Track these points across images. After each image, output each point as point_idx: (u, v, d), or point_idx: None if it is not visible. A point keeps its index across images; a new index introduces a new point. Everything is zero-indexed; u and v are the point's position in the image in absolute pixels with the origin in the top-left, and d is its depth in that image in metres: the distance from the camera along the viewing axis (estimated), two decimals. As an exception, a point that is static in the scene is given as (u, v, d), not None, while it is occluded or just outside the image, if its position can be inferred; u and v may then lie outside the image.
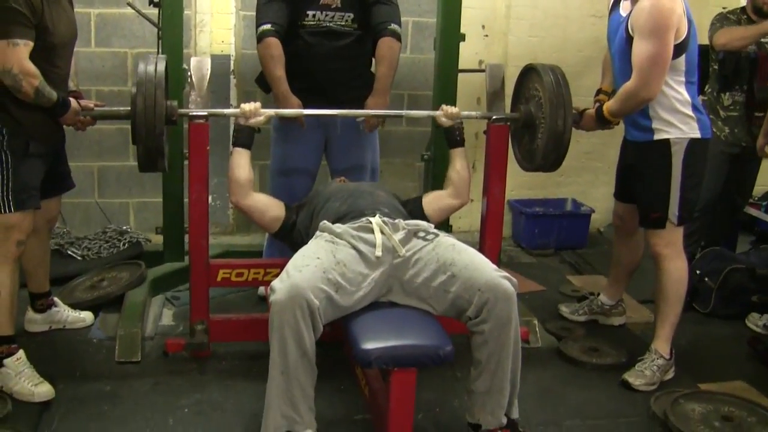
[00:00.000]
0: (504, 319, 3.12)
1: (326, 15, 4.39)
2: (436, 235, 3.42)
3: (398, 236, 3.36)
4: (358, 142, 4.67)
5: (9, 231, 3.59)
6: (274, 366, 3.03)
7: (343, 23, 4.42)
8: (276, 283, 3.04)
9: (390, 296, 3.33)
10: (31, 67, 3.39)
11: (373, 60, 4.60)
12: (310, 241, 3.42)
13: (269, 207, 3.89)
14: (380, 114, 4.40)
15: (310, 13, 4.38)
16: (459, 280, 3.19)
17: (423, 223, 3.52)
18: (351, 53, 4.50)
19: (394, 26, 4.43)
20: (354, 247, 3.29)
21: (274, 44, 4.28)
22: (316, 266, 3.12)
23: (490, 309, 3.10)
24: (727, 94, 5.30)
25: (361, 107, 4.41)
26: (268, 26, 4.30)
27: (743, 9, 5.32)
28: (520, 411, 3.36)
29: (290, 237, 3.85)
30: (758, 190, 6.29)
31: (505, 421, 3.26)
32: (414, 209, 3.87)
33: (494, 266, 3.24)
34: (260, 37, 4.32)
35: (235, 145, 3.83)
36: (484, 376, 3.19)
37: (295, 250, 3.40)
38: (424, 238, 3.40)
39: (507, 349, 3.16)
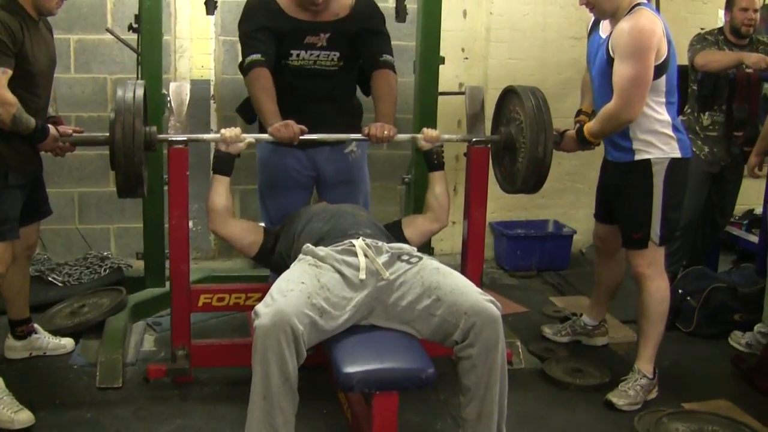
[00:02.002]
0: (491, 343, 3.10)
1: (311, 54, 4.19)
2: (420, 259, 3.41)
3: (382, 259, 3.34)
4: (348, 168, 4.50)
5: None
6: (255, 391, 3.01)
7: (329, 62, 4.23)
8: (260, 308, 3.02)
9: (371, 319, 3.31)
10: (9, 95, 3.38)
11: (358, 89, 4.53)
12: (293, 265, 3.40)
13: (247, 233, 3.87)
14: (357, 139, 4.31)
15: (294, 52, 4.17)
16: (444, 304, 3.18)
17: (406, 246, 3.51)
18: (336, 93, 4.37)
19: (386, 57, 4.26)
20: (338, 271, 3.27)
21: (265, 75, 4.03)
22: (301, 291, 3.11)
23: (477, 333, 3.09)
24: (707, 114, 5.33)
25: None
26: (257, 56, 4.04)
27: (721, 30, 5.37)
28: (503, 433, 3.37)
29: (269, 261, 3.85)
30: (739, 209, 6.32)
31: None
32: (394, 233, 3.85)
33: (479, 290, 3.24)
34: (249, 67, 4.05)
35: (215, 172, 3.81)
36: (474, 403, 3.16)
37: (278, 273, 3.40)
38: (407, 261, 3.38)
39: (495, 374, 3.13)
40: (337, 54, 4.23)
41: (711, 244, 5.89)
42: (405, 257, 3.40)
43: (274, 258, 3.81)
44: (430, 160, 4.03)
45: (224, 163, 3.80)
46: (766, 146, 4.95)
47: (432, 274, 3.30)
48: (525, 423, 3.82)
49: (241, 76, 4.24)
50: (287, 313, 2.96)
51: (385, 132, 3.94)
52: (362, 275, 3.26)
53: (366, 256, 3.34)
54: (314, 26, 4.16)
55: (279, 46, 4.14)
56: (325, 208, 3.93)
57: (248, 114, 4.38)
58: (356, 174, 4.55)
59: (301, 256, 3.43)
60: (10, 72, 3.42)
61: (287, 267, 3.42)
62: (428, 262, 3.41)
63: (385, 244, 3.46)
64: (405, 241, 3.79)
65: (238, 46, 4.38)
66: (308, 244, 3.46)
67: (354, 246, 3.39)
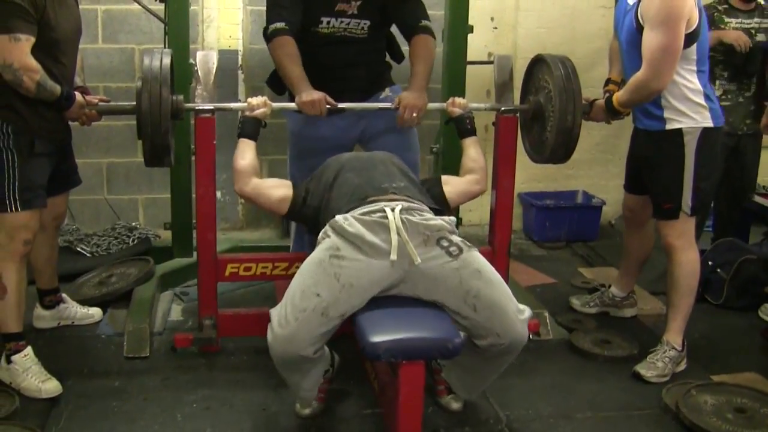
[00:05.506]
0: (507, 355, 3.25)
1: (341, 22, 4.14)
2: (461, 251, 3.20)
3: (416, 240, 3.15)
4: (396, 129, 4.29)
5: (16, 230, 3.58)
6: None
7: (358, 31, 4.19)
8: (274, 319, 3.07)
9: (395, 290, 3.20)
10: (32, 62, 3.37)
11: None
12: (312, 257, 3.20)
13: (274, 189, 3.67)
14: (384, 108, 4.26)
15: (325, 19, 4.12)
16: (479, 318, 3.13)
17: (445, 224, 3.26)
18: (366, 59, 4.33)
19: (425, 23, 4.23)
20: (364, 253, 3.12)
21: (289, 42, 3.98)
22: (314, 309, 3.01)
23: (501, 350, 3.17)
24: (717, 83, 5.24)
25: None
26: (281, 24, 3.99)
27: None
28: (530, 403, 3.55)
29: (301, 215, 3.63)
30: (768, 180, 6.26)
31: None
32: (432, 188, 3.70)
33: (516, 305, 3.19)
34: (272, 36, 4.01)
35: (240, 136, 3.74)
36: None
37: (309, 228, 3.52)
38: (447, 250, 3.19)
39: (498, 364, 3.33)
40: (368, 23, 4.20)
41: (736, 217, 5.81)
42: (445, 243, 3.20)
43: (305, 210, 3.59)
44: (462, 126, 3.94)
45: (249, 127, 3.75)
46: None
47: (473, 276, 3.16)
48: (552, 394, 3.81)
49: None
50: (296, 343, 3.02)
51: (414, 114, 3.95)
52: (393, 256, 3.09)
53: (399, 235, 3.14)
54: None
55: (308, 13, 4.09)
56: (358, 156, 3.80)
57: (278, 85, 4.32)
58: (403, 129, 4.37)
59: (329, 230, 3.23)
60: (33, 39, 3.39)
61: (319, 223, 3.38)
62: (470, 258, 3.21)
63: (421, 221, 3.22)
64: (443, 197, 3.68)
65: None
66: (338, 217, 3.22)
67: (387, 219, 3.17)
